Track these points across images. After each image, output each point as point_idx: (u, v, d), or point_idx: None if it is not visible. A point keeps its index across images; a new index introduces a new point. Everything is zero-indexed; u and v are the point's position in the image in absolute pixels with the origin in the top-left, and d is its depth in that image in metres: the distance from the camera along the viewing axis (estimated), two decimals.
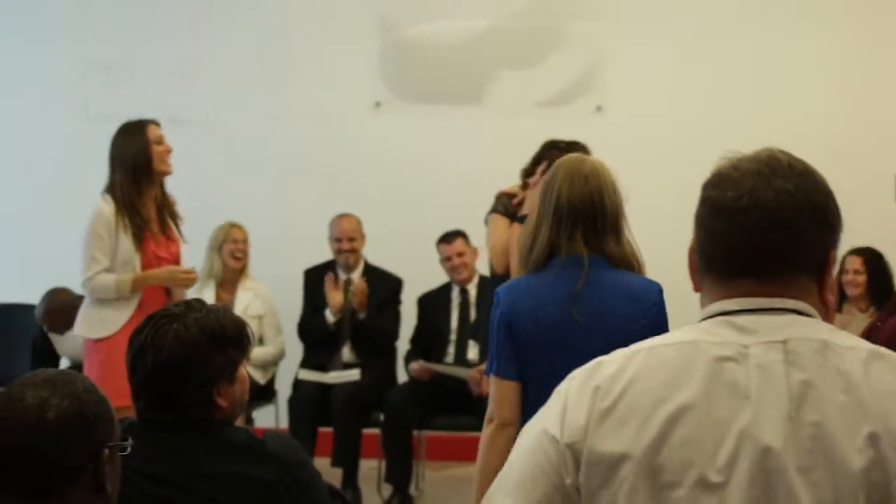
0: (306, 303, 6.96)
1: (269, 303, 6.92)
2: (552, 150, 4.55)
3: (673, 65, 7.49)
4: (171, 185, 7.46)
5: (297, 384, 6.74)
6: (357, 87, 7.63)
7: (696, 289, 1.89)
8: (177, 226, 5.35)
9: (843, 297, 6.63)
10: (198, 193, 7.45)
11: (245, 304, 6.80)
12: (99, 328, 5.06)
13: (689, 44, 7.49)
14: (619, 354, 1.83)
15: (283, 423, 6.76)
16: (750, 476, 1.68)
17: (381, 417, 6.57)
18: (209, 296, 6.73)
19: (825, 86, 7.46)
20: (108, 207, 5.05)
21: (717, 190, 1.82)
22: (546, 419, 1.82)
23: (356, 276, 6.83)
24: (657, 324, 3.15)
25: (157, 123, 5.28)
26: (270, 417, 6.94)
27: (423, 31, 7.64)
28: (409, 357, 6.76)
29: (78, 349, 5.67)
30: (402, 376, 6.92)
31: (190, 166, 7.57)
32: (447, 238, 6.75)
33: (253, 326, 6.74)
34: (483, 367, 5.43)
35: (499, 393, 3.26)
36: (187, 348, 2.64)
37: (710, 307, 1.83)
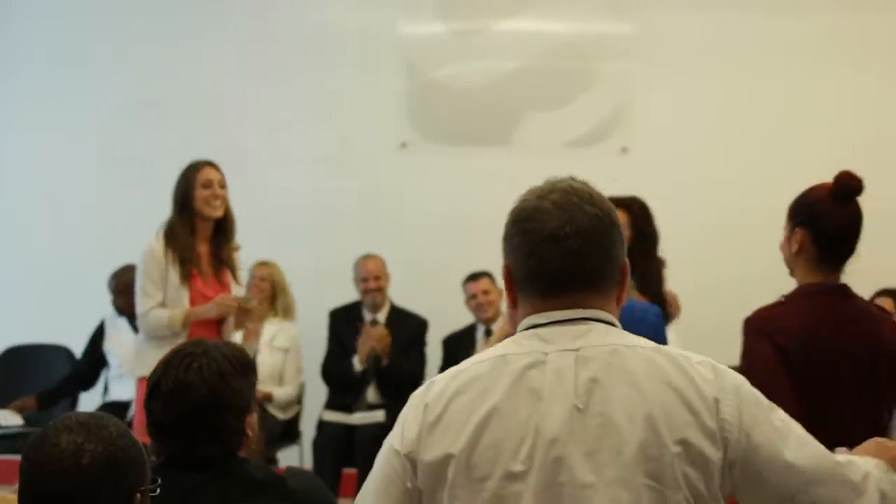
0: (331, 344, 6.96)
1: (294, 340, 6.92)
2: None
3: (698, 107, 7.49)
4: None
5: (322, 425, 6.73)
6: (384, 128, 7.64)
7: (513, 306, 2.18)
8: (232, 271, 5.33)
9: None
10: None
11: (271, 334, 6.77)
12: (150, 366, 5.01)
13: (714, 86, 7.49)
14: (447, 374, 2.12)
15: (308, 464, 6.74)
16: (541, 464, 1.99)
17: None
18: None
19: (850, 126, 7.45)
20: (157, 244, 5.11)
21: (536, 223, 2.10)
22: (392, 437, 2.13)
23: (382, 316, 6.84)
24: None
25: (213, 166, 5.31)
26: (295, 458, 6.92)
27: (449, 73, 7.66)
28: None
29: (124, 351, 6.12)
30: None
31: None
32: (474, 277, 6.79)
33: (277, 360, 6.85)
34: None
35: None
36: (223, 379, 2.67)
37: (524, 321, 2.13)
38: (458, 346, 6.79)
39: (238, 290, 5.36)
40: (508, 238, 2.18)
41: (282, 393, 6.76)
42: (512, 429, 2.02)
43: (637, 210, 4.78)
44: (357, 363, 6.72)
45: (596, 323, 2.09)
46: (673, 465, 1.98)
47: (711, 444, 2.00)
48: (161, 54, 7.77)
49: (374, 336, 6.69)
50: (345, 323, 6.88)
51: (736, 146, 7.26)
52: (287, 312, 6.96)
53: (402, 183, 7.49)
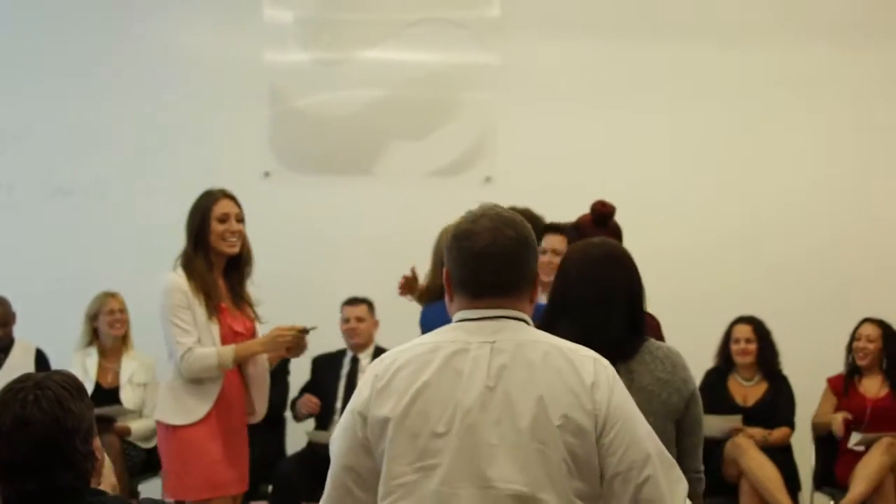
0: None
1: (151, 373, 6.87)
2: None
3: (561, 136, 7.59)
4: (57, 254, 7.45)
5: None
6: (247, 157, 7.59)
7: (450, 300, 2.77)
8: (252, 308, 5.01)
9: (857, 369, 6.78)
10: (86, 263, 7.40)
11: (130, 372, 6.77)
12: (179, 414, 4.72)
13: (577, 116, 7.60)
14: (393, 351, 2.72)
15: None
16: (458, 428, 2.57)
17: (270, 489, 6.50)
18: (92, 364, 6.68)
19: (702, 156, 7.63)
20: (179, 278, 4.78)
21: (469, 241, 2.68)
22: (352, 399, 2.69)
23: None
24: None
25: (229, 197, 5.03)
26: (157, 490, 6.82)
27: (313, 101, 7.65)
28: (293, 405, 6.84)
29: None
30: (290, 447, 6.86)
31: (77, 235, 7.54)
32: (353, 301, 6.78)
33: (137, 395, 6.78)
34: None
35: None
36: (63, 406, 2.60)
37: (456, 315, 2.73)
38: (326, 370, 6.79)
39: (260, 330, 5.01)
40: (449, 250, 2.75)
41: (142, 426, 6.70)
42: (438, 399, 2.59)
43: (570, 234, 4.95)
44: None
45: (510, 320, 2.68)
46: (556, 433, 2.55)
47: (586, 418, 2.57)
48: (23, 82, 7.64)
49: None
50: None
51: (599, 175, 7.36)
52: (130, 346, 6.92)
53: (266, 212, 7.42)
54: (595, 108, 7.60)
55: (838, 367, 6.91)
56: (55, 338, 6.92)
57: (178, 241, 7.40)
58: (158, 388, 4.88)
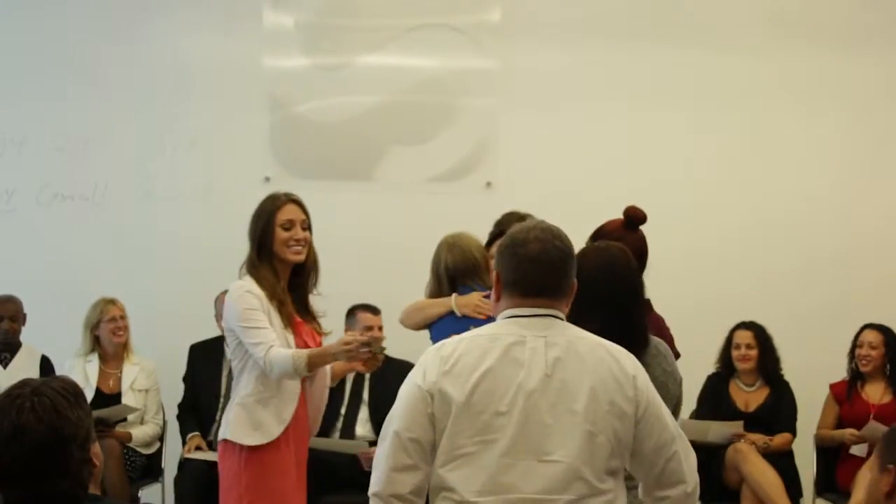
0: (188, 379, 6.88)
1: (153, 378, 6.87)
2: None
3: (562, 141, 7.59)
4: (56, 260, 7.44)
5: (184, 462, 6.63)
6: (247, 163, 7.58)
7: (497, 300, 3.16)
8: (315, 319, 4.77)
9: (859, 375, 6.77)
10: (85, 269, 7.39)
11: (132, 378, 6.76)
12: (253, 434, 4.48)
13: (578, 120, 7.60)
14: (455, 338, 3.08)
15: (170, 502, 6.65)
16: (520, 408, 2.95)
17: None
18: (93, 370, 6.66)
19: (704, 161, 7.63)
20: (252, 284, 4.55)
21: (523, 248, 3.08)
22: (415, 377, 3.03)
23: None
24: None
25: (295, 202, 4.74)
26: (157, 496, 6.82)
27: (313, 107, 7.64)
28: None
29: None
30: None
31: (76, 241, 7.53)
32: (374, 309, 6.66)
33: (139, 401, 6.77)
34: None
35: None
36: (60, 413, 2.60)
37: (506, 311, 3.11)
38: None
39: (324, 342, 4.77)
40: (503, 255, 3.13)
41: (141, 432, 6.70)
42: (501, 383, 2.96)
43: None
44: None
45: (555, 319, 3.08)
46: (605, 417, 2.97)
47: (629, 405, 3.01)
48: (22, 88, 7.63)
49: None
50: (203, 358, 6.81)
51: (600, 180, 7.36)
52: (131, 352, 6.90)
53: None
54: (595, 113, 7.60)
55: (840, 373, 6.90)
56: (53, 343, 6.90)
57: (180, 246, 7.47)
58: (231, 407, 4.55)
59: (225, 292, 6.75)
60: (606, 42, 7.65)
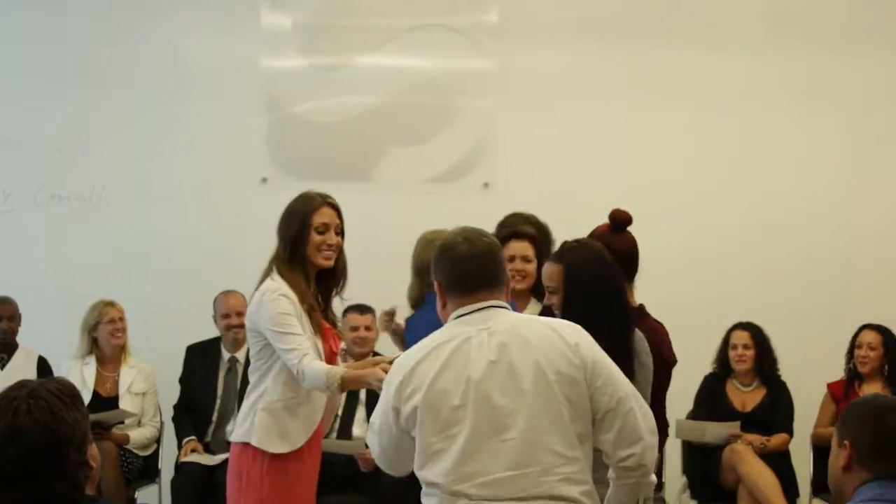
0: (184, 380, 6.87)
1: (150, 381, 6.86)
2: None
3: (560, 142, 7.59)
4: (53, 261, 7.44)
5: (180, 464, 6.62)
6: (245, 163, 7.58)
7: (443, 307, 3.40)
8: (335, 325, 4.63)
9: (857, 375, 6.78)
10: (82, 270, 7.38)
11: (129, 381, 6.75)
12: (279, 442, 4.37)
13: (575, 123, 7.60)
14: (409, 352, 3.35)
15: None
16: (472, 397, 3.17)
17: None
18: (90, 373, 6.65)
19: (702, 161, 7.63)
20: (282, 286, 4.37)
21: (453, 250, 3.36)
22: (383, 395, 3.34)
23: (241, 354, 6.75)
24: None
25: (331, 205, 4.55)
26: (154, 497, 6.82)
27: (310, 108, 7.64)
28: None
29: None
30: None
31: (73, 242, 7.52)
32: (363, 308, 6.64)
33: (136, 404, 6.75)
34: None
35: None
36: (56, 415, 2.59)
37: (454, 313, 3.34)
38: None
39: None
40: (437, 262, 3.40)
41: (139, 434, 6.69)
42: (452, 380, 3.19)
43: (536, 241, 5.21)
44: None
45: (496, 308, 3.32)
46: (553, 387, 3.18)
47: (576, 371, 3.21)
48: (19, 88, 7.63)
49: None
50: (200, 359, 6.81)
51: (598, 180, 7.36)
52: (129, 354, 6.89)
53: (263, 218, 7.38)
54: (593, 113, 7.60)
55: (839, 373, 6.90)
56: (50, 345, 6.90)
57: (177, 247, 7.46)
58: (254, 411, 4.39)
59: (225, 293, 6.79)
60: (604, 43, 7.65)
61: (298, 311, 4.34)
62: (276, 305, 4.31)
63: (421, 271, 5.14)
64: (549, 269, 4.11)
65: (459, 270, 3.34)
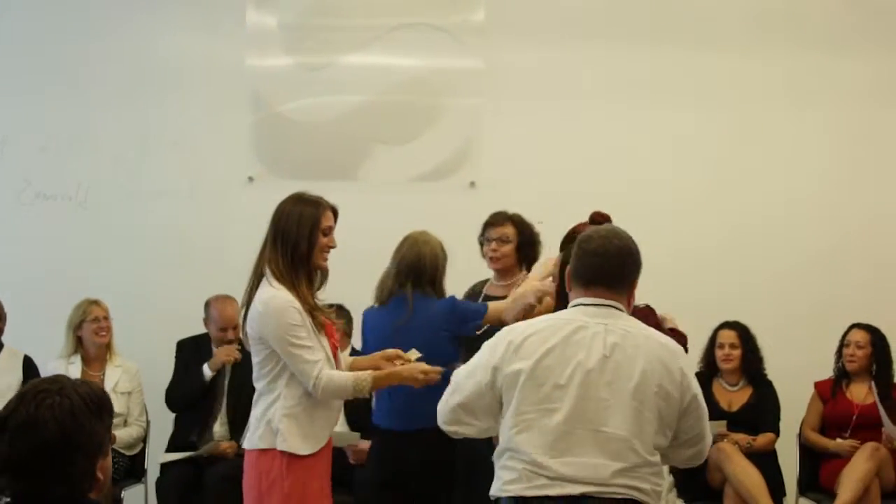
0: (177, 374, 6.83)
1: (136, 381, 6.84)
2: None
3: (545, 140, 7.59)
4: (38, 260, 7.42)
5: (165, 465, 6.60)
6: (231, 162, 7.58)
7: (568, 289, 3.63)
8: (331, 319, 4.62)
9: (845, 374, 6.79)
10: (68, 269, 7.36)
11: (114, 381, 6.73)
12: (305, 443, 4.37)
13: (561, 121, 7.60)
14: (520, 325, 3.58)
15: None
16: (577, 382, 3.37)
17: None
18: (75, 372, 6.62)
19: (688, 162, 7.63)
20: (288, 294, 4.34)
21: (589, 244, 3.56)
22: (483, 357, 3.53)
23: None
24: (459, 328, 5.09)
25: (334, 210, 4.62)
26: (140, 497, 6.80)
27: (297, 106, 7.63)
28: None
29: None
30: None
31: (58, 241, 7.50)
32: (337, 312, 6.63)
33: (122, 404, 6.72)
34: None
35: None
36: (76, 419, 2.58)
37: (575, 300, 3.55)
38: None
39: None
40: (574, 251, 3.60)
41: (125, 433, 6.68)
42: (562, 360, 3.39)
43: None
44: (207, 369, 6.62)
45: (615, 310, 3.50)
46: (652, 397, 3.38)
47: (675, 389, 3.43)
48: (3, 87, 7.62)
49: (223, 351, 6.58)
50: (192, 354, 6.77)
51: (584, 179, 7.36)
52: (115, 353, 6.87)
53: (249, 217, 7.36)
54: (578, 112, 7.60)
55: (826, 372, 6.91)
56: (36, 344, 6.87)
57: (164, 246, 7.44)
58: (270, 418, 4.37)
59: (221, 300, 6.73)
60: (590, 41, 7.65)
61: (303, 317, 4.32)
62: (286, 315, 4.30)
63: (401, 269, 5.23)
64: (552, 258, 4.53)
65: (586, 264, 3.55)
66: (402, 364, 4.58)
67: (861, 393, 6.77)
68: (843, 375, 6.84)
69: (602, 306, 3.51)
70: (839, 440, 6.65)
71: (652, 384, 3.39)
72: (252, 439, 4.42)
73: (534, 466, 3.36)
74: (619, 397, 3.37)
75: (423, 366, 4.51)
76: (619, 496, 3.33)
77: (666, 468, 6.81)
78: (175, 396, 6.76)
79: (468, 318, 5.13)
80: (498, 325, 4.68)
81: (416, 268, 5.20)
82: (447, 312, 5.11)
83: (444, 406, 3.62)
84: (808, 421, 6.87)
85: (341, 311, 6.61)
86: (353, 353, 6.16)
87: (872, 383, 6.72)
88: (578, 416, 3.36)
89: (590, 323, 3.46)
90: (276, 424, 4.34)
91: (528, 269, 5.59)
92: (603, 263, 3.52)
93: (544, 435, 3.37)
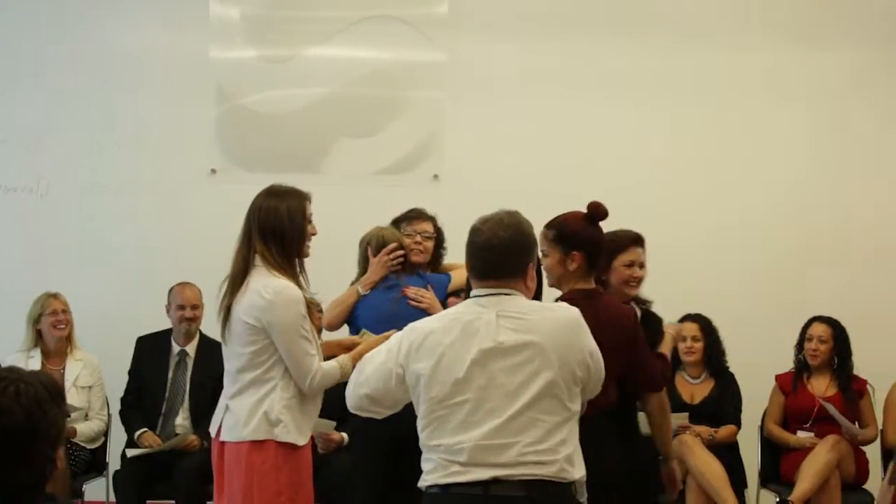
0: (133, 372, 6.80)
1: (97, 374, 6.80)
2: None
3: (508, 134, 7.60)
4: (0, 253, 7.37)
5: (125, 458, 6.57)
6: (194, 154, 7.56)
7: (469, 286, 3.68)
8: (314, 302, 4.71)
9: (806, 367, 6.82)
10: (27, 262, 7.32)
11: (75, 374, 6.69)
12: (302, 433, 4.42)
13: (525, 115, 7.61)
14: (424, 321, 3.66)
15: (114, 497, 6.59)
16: (478, 372, 3.44)
17: None
18: (35, 366, 6.56)
19: (653, 156, 7.66)
20: (293, 285, 4.39)
21: (477, 237, 3.60)
22: (389, 351, 3.61)
23: (192, 347, 6.71)
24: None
25: (310, 198, 4.66)
26: (101, 490, 6.77)
27: (260, 99, 7.62)
28: None
29: None
30: None
31: (19, 234, 7.46)
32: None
33: (83, 398, 6.68)
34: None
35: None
36: (40, 406, 2.58)
37: (472, 293, 3.62)
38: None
39: None
40: (467, 244, 3.64)
41: (86, 427, 6.65)
42: (461, 353, 3.47)
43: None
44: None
45: (506, 295, 3.57)
46: (554, 372, 3.45)
47: (577, 363, 3.50)
48: None
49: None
50: (150, 351, 6.75)
51: (547, 173, 7.37)
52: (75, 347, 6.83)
53: (212, 209, 7.38)
54: (542, 106, 7.62)
55: (787, 365, 6.94)
56: None
57: (123, 239, 7.41)
58: (265, 409, 4.38)
59: (182, 284, 6.69)
60: (554, 34, 7.66)
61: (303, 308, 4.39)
62: (296, 308, 4.35)
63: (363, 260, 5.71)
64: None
65: (476, 257, 3.62)
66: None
67: (822, 386, 6.81)
68: (803, 368, 6.88)
69: (493, 295, 3.58)
70: (800, 434, 6.69)
71: (552, 360, 3.47)
72: (240, 431, 4.39)
73: (447, 454, 3.46)
74: (519, 380, 3.45)
75: (381, 336, 4.47)
76: (526, 477, 3.41)
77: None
78: (131, 402, 6.75)
79: (444, 286, 5.72)
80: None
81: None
82: (435, 283, 5.66)
83: (353, 393, 3.72)
84: (769, 413, 6.91)
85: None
86: None
87: (834, 393, 6.75)
88: (483, 404, 3.45)
89: (482, 312, 3.53)
90: (277, 416, 4.35)
91: (435, 269, 5.99)
92: (490, 257, 3.59)
93: (454, 427, 3.46)
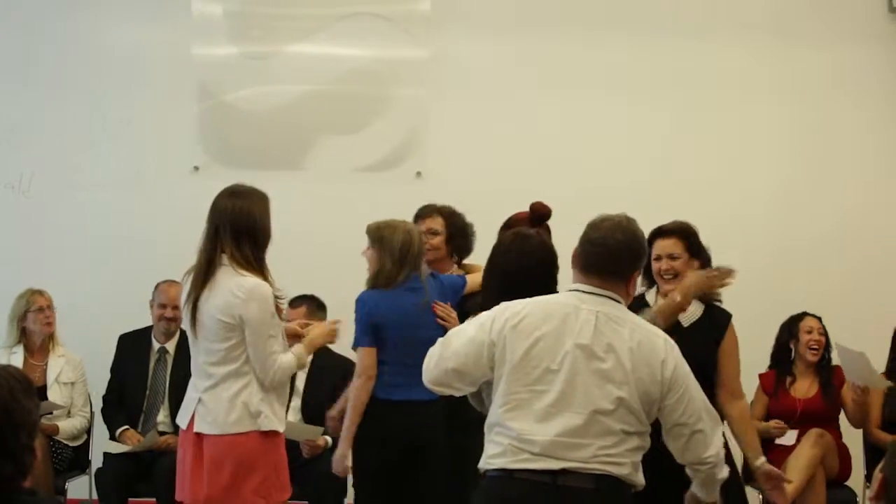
0: (114, 370, 6.79)
1: (80, 371, 6.79)
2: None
3: (492, 131, 7.60)
4: None
5: (107, 455, 6.55)
6: (176, 151, 7.54)
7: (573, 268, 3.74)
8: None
9: (788, 367, 6.81)
10: (10, 258, 7.31)
11: (57, 371, 6.68)
12: (278, 421, 4.62)
13: (507, 113, 7.61)
14: (519, 303, 3.64)
15: (96, 495, 6.58)
16: (569, 365, 3.50)
17: None
18: (18, 363, 6.55)
19: (634, 151, 7.66)
20: (265, 283, 4.57)
21: (594, 232, 3.67)
22: (483, 323, 3.63)
23: (171, 345, 6.69)
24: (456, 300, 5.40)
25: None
26: (84, 488, 6.76)
27: (242, 96, 7.60)
28: None
29: None
30: None
31: (1, 230, 7.44)
32: (294, 302, 6.53)
33: (65, 394, 6.67)
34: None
35: (367, 357, 5.13)
36: (15, 397, 2.60)
37: (573, 285, 3.68)
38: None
39: None
40: (582, 236, 3.70)
41: (69, 424, 6.63)
42: (556, 343, 3.53)
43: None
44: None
45: (609, 299, 3.62)
46: (635, 383, 3.51)
47: (654, 385, 3.53)
48: None
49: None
50: (132, 349, 6.73)
51: (529, 170, 7.37)
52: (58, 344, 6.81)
53: (195, 207, 7.32)
54: (525, 103, 7.62)
55: (765, 365, 6.91)
56: None
57: (109, 235, 7.40)
58: (244, 401, 4.57)
59: (168, 282, 6.66)
60: (536, 32, 7.67)
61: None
62: (270, 305, 4.54)
63: (403, 255, 5.29)
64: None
65: (586, 252, 3.68)
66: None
67: (804, 387, 6.77)
68: (786, 371, 6.82)
69: (597, 295, 3.63)
70: (772, 423, 6.61)
71: (639, 372, 3.52)
72: (222, 424, 4.53)
73: (519, 442, 3.49)
74: (603, 385, 3.50)
75: (326, 323, 4.95)
76: (597, 472, 3.46)
77: None
78: (113, 400, 6.74)
79: (459, 290, 5.53)
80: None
81: (419, 252, 5.32)
82: (449, 287, 5.50)
83: (436, 367, 3.71)
84: (753, 413, 6.90)
85: (312, 301, 6.56)
86: None
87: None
88: (567, 398, 3.49)
89: (582, 309, 3.59)
90: (257, 407, 4.54)
91: (461, 260, 5.82)
92: (601, 254, 3.64)
93: (532, 414, 3.50)
